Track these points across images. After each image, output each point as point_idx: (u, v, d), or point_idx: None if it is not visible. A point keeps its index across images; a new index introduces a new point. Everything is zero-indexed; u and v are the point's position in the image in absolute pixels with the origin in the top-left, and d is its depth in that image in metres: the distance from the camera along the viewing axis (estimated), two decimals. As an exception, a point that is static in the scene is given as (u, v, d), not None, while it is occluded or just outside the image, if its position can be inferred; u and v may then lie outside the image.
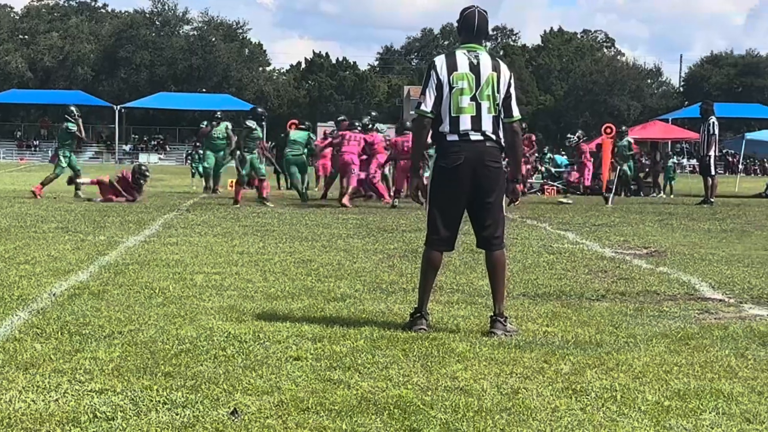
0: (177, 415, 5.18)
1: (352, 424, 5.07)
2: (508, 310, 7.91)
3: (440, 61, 7.57)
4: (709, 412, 5.40)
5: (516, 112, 7.59)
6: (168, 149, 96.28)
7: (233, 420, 5.10)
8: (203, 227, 16.66)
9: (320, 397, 5.57)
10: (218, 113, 30.13)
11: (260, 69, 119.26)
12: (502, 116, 7.54)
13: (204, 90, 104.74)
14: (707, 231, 17.58)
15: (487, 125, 7.46)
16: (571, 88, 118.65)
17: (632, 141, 32.81)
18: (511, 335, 7.31)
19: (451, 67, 7.49)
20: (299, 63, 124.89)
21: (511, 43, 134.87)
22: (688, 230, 17.67)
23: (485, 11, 7.67)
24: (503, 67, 7.61)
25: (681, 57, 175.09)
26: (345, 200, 23.13)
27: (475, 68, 7.47)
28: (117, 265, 11.16)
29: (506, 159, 7.92)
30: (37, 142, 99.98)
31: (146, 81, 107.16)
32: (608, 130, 34.68)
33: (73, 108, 26.05)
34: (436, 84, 7.47)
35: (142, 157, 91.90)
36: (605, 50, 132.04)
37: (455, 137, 7.45)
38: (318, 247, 13.57)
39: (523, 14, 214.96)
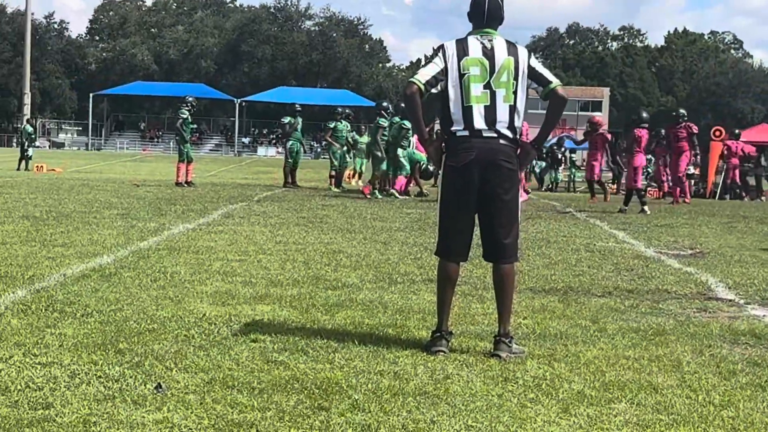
0: (105, 388, 5.42)
1: (265, 402, 5.24)
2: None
3: (450, 45, 6.87)
4: (624, 402, 5.47)
5: (552, 78, 6.93)
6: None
7: (154, 394, 5.32)
8: (260, 217, 17.00)
9: (253, 376, 5.77)
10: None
11: (380, 65, 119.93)
12: (539, 91, 6.94)
13: (324, 85, 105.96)
14: (767, 234, 17.33)
15: (502, 116, 6.76)
16: (694, 89, 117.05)
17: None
18: (516, 356, 6.57)
19: (462, 52, 6.81)
20: (419, 60, 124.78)
21: (636, 43, 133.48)
22: (748, 233, 17.43)
23: None
24: (521, 51, 6.89)
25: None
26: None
27: (489, 53, 6.79)
28: (147, 250, 11.51)
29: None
30: (161, 133, 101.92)
31: (267, 75, 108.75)
32: (717, 133, 34.33)
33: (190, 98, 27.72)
34: (441, 69, 6.80)
35: (260, 151, 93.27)
36: (732, 52, 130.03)
37: (466, 133, 6.75)
38: (358, 239, 13.77)
39: (656, 15, 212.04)
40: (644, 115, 24.21)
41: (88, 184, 26.80)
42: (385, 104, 25.85)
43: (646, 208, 21.99)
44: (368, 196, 24.06)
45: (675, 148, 27.17)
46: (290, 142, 29.36)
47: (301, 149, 30.28)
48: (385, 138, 24.64)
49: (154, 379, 5.63)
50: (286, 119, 29.69)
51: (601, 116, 24.24)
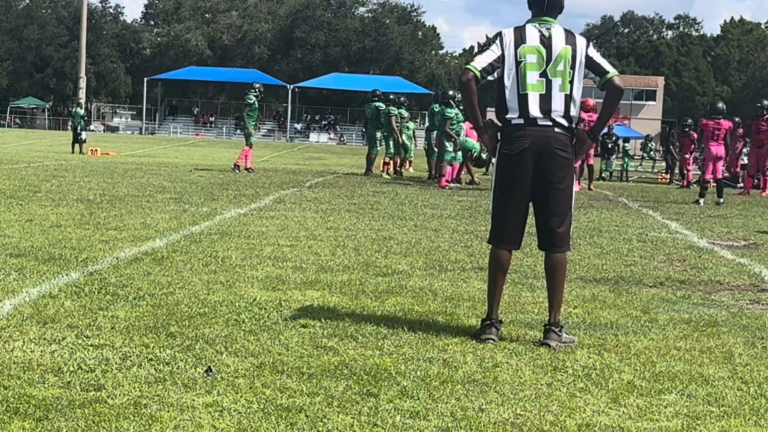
0: (156, 370, 5.46)
1: (314, 387, 5.26)
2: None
3: (508, 33, 6.83)
4: (674, 394, 5.43)
5: (610, 68, 6.86)
6: (338, 129, 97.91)
7: (204, 377, 5.35)
8: (312, 203, 17.05)
9: (303, 361, 5.79)
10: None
11: (432, 52, 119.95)
12: (597, 80, 6.88)
13: (376, 72, 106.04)
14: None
15: (557, 105, 6.71)
16: (750, 79, 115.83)
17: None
18: (566, 346, 6.53)
19: (519, 40, 6.77)
20: (472, 47, 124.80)
21: (691, 32, 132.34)
22: (803, 224, 17.23)
23: None
24: (579, 40, 6.84)
25: None
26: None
27: (546, 41, 6.75)
28: (199, 234, 11.58)
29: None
30: (214, 118, 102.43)
31: (320, 61, 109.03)
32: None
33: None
34: (498, 56, 6.76)
35: (312, 137, 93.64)
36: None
37: (521, 121, 6.71)
38: (409, 226, 13.77)
39: (712, 4, 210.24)
40: (719, 105, 23.37)
41: (141, 168, 27.03)
42: (451, 93, 25.35)
43: (701, 200, 21.74)
44: (449, 187, 23.75)
45: (756, 140, 26.82)
46: (380, 133, 28.48)
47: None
48: (454, 128, 24.33)
49: (205, 362, 5.67)
50: (384, 107, 28.54)
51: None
